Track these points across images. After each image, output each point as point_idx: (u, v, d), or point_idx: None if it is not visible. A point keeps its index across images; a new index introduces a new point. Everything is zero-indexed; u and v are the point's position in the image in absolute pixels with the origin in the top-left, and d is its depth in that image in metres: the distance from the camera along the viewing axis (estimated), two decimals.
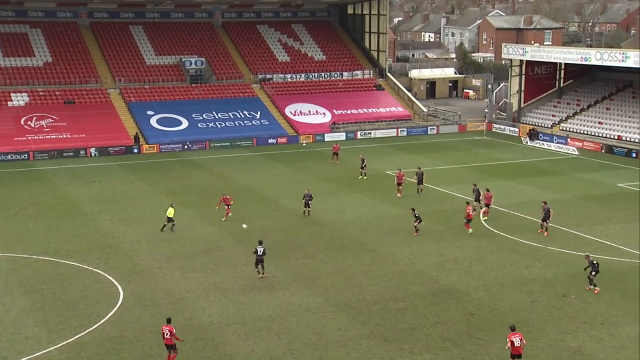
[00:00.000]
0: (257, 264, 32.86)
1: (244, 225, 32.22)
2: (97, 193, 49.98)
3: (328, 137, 72.33)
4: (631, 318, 28.41)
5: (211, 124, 71.89)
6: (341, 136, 72.96)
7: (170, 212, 40.20)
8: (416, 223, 39.73)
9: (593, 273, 31.42)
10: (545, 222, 40.16)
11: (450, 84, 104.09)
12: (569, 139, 70.01)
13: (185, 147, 67.68)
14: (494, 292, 31.69)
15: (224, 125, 71.98)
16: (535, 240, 38.78)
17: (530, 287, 32.11)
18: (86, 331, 27.60)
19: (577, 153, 66.52)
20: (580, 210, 45.16)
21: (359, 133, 73.94)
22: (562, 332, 27.21)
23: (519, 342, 23.85)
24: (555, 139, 71.06)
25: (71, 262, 35.36)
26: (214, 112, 73.42)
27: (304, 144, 70.59)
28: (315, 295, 31.30)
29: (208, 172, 57.47)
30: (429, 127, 77.21)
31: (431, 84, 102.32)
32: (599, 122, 71.10)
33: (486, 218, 42.97)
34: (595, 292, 31.17)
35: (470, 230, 40.02)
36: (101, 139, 66.22)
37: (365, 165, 54.27)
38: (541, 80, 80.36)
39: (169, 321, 25.18)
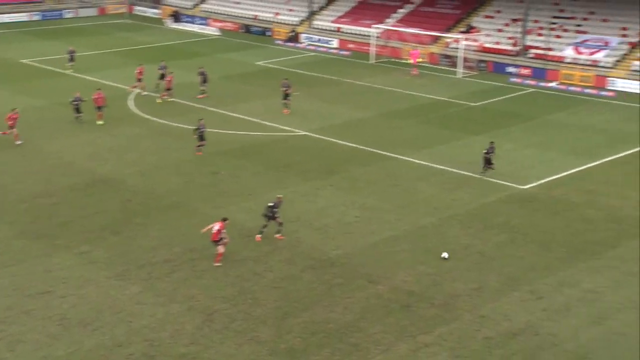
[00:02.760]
0: None
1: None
2: None
3: None
4: (273, 186, 30.77)
5: None
6: None
7: None
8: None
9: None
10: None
11: None
12: (210, 20, 71.08)
13: None
14: (149, 176, 31.72)
15: None
16: (186, 122, 39.38)
17: (184, 169, 32.76)
18: None
19: (218, 33, 68.01)
20: (225, 89, 46.75)
21: None
22: (215, 206, 28.46)
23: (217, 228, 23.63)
24: (197, 20, 71.61)
25: None
26: None
27: None
28: None
29: None
30: (64, 10, 71.87)
31: None
32: (237, 2, 73.10)
33: (160, 101, 43.12)
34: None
35: (101, 122, 38.74)
36: None
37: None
38: None
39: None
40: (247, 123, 39.71)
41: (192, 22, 71.14)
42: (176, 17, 71.36)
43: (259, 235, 25.81)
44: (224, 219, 24.34)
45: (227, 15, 71.83)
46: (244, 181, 31.47)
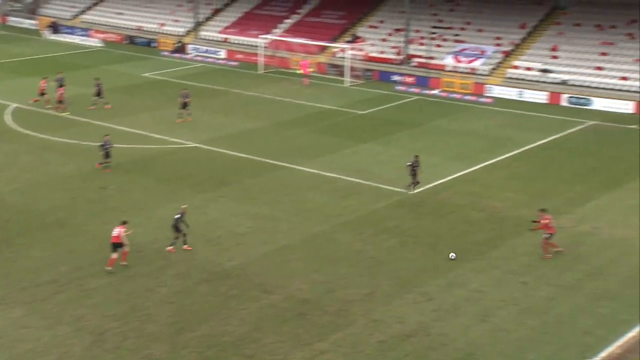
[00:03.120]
0: None
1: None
2: None
3: None
4: (164, 200, 30.23)
5: None
6: None
7: None
8: None
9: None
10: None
11: None
12: (91, 31, 69.01)
13: None
14: (30, 194, 30.40)
15: None
16: (69, 137, 38.03)
17: (69, 185, 31.61)
18: None
19: (101, 45, 66.14)
20: (111, 102, 45.49)
21: None
22: (104, 222, 27.56)
23: (118, 232, 23.98)
24: (78, 32, 69.37)
25: None
26: None
27: None
28: None
29: None
30: None
31: None
32: (119, 13, 71.38)
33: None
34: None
35: None
36: None
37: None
38: None
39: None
40: (135, 136, 38.83)
41: (73, 34, 68.82)
42: (55, 28, 68.83)
43: (171, 247, 25.42)
44: (124, 222, 24.11)
45: (110, 26, 70.01)
46: (134, 196, 30.74)
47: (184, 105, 41.41)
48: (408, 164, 31.15)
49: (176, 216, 25.58)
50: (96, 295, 22.44)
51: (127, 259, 24.28)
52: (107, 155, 33.39)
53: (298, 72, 53.30)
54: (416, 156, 31.37)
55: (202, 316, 21.37)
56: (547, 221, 25.20)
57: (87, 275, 23.55)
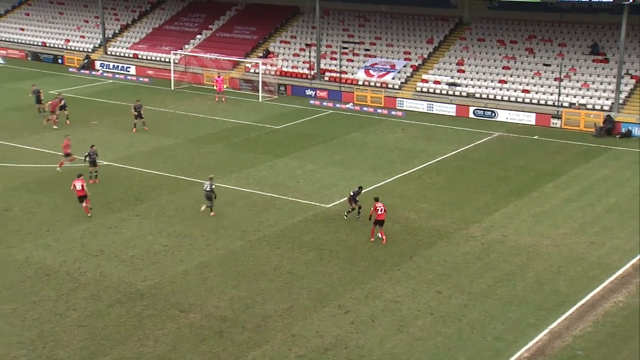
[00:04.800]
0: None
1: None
2: None
3: None
4: (74, 220, 29.27)
5: None
6: None
7: None
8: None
9: None
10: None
11: None
12: None
13: None
14: None
15: None
16: None
17: None
18: None
19: (2, 62, 63.71)
20: (15, 121, 43.74)
21: None
22: (8, 246, 26.47)
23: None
24: None
25: None
26: None
27: None
28: None
29: None
30: None
31: None
32: (21, 29, 68.96)
33: None
34: None
35: None
36: None
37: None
38: None
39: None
40: (41, 155, 37.48)
41: None
42: None
43: (213, 212, 29.86)
44: (80, 175, 29.81)
45: (11, 42, 67.56)
46: (40, 217, 29.62)
47: (138, 116, 42.53)
48: (351, 194, 30.02)
49: (206, 187, 29.72)
50: (0, 322, 21.40)
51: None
52: (93, 164, 33.80)
53: (214, 88, 52.74)
54: (359, 187, 30.55)
55: (116, 339, 20.73)
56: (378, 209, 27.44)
57: None
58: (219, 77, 52.98)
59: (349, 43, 57.58)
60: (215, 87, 52.53)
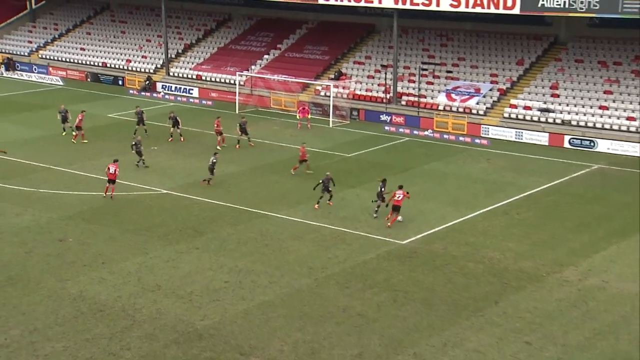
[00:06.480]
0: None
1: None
2: None
3: None
4: (130, 252, 30.04)
5: None
6: None
7: None
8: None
9: None
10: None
11: None
12: (50, 68, 69.31)
13: None
14: None
15: None
16: (25, 184, 37.85)
17: (23, 237, 31.33)
18: None
19: (61, 83, 66.39)
20: (71, 145, 45.35)
21: None
22: (61, 280, 27.34)
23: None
24: (36, 69, 69.67)
25: None
26: None
27: None
28: None
29: None
30: None
31: None
32: (82, 49, 71.84)
33: None
34: None
35: None
36: None
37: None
38: (6, 0, 77.34)
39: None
40: (99, 182, 38.72)
41: (30, 71, 69.09)
42: (9, 64, 69.06)
43: (329, 202, 35.00)
44: (115, 160, 35.82)
45: (71, 62, 70.38)
46: (95, 248, 30.50)
47: (176, 124, 47.24)
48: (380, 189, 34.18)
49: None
50: None
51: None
52: (139, 153, 40.71)
53: (297, 116, 52.52)
54: (384, 180, 34.80)
55: None
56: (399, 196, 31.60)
57: (41, 340, 23.15)
58: (303, 108, 52.65)
59: (429, 64, 57.60)
60: (298, 116, 52.33)
